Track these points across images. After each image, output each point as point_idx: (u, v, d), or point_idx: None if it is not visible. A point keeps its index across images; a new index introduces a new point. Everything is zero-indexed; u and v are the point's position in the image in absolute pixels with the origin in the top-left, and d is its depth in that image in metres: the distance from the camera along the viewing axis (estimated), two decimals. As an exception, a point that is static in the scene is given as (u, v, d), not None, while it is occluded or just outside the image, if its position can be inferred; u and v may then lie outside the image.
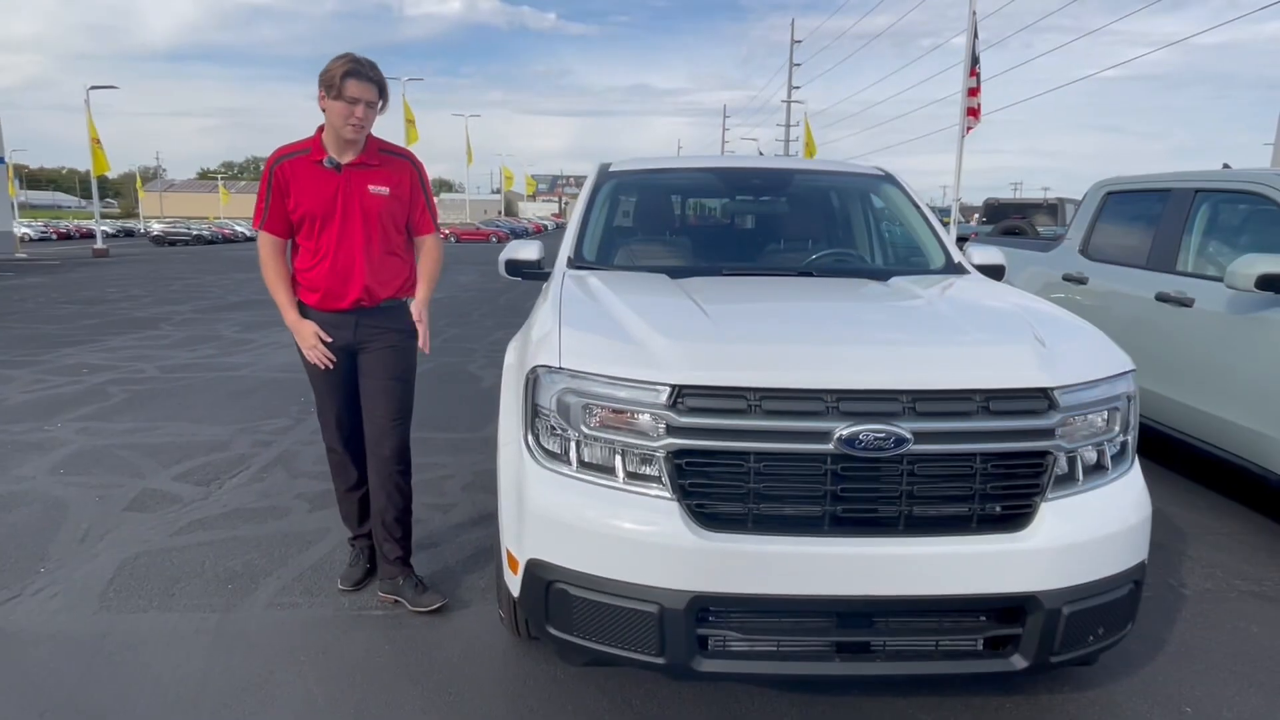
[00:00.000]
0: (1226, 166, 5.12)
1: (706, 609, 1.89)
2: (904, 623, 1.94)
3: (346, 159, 2.75)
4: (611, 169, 3.65)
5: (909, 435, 1.83)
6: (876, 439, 1.82)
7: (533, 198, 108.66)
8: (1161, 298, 4.11)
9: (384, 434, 2.92)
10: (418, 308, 2.89)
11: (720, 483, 1.89)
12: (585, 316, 2.27)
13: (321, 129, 2.77)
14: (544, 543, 2.01)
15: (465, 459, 4.68)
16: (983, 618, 1.95)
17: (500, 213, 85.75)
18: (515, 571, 2.12)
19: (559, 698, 2.37)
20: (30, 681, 2.42)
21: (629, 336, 2.08)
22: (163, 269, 21.56)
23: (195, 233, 42.17)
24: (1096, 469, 2.02)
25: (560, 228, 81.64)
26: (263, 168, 2.80)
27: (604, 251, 3.27)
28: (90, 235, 45.67)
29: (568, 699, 2.37)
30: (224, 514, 3.79)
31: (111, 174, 41.35)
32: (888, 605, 1.89)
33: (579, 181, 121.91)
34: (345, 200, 2.75)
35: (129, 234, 53.91)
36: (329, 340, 2.81)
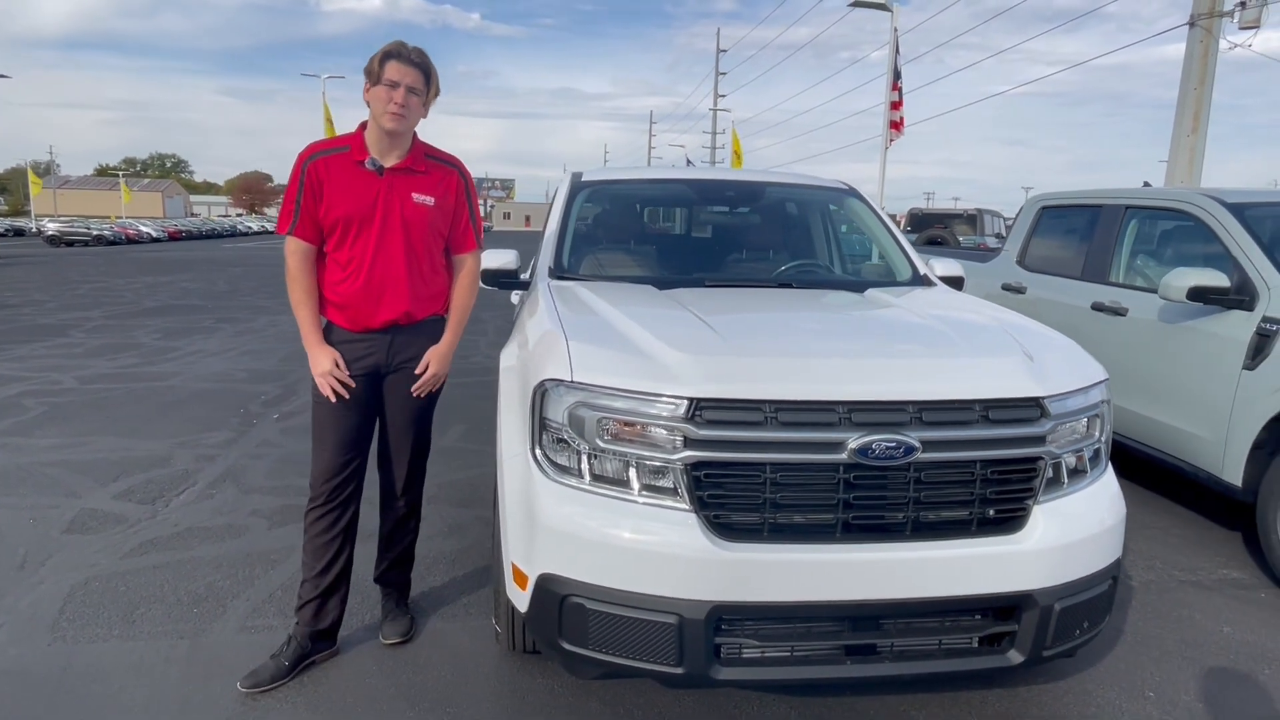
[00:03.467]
0: (1147, 184, 5.50)
1: (722, 618, 1.93)
2: (908, 624, 2.02)
3: (390, 161, 2.47)
4: (585, 178, 3.65)
5: (917, 444, 1.91)
6: (888, 448, 1.89)
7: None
8: (1097, 307, 4.39)
9: (400, 454, 2.68)
10: (441, 359, 2.60)
11: (737, 494, 1.93)
12: (589, 329, 2.28)
13: (363, 126, 2.50)
14: (557, 557, 2.00)
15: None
16: (980, 616, 2.05)
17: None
18: (524, 587, 2.11)
19: (559, 710, 2.36)
20: (-12, 722, 2.25)
21: (639, 349, 2.10)
22: (64, 272, 20.23)
23: (96, 233, 39.62)
24: (1078, 473, 2.16)
25: (488, 230, 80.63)
26: (295, 164, 2.46)
27: (584, 261, 3.28)
28: (-27, 235, 42.53)
29: (568, 711, 2.36)
30: (176, 534, 3.60)
31: (-1, 169, 38.46)
32: (896, 608, 1.97)
33: (505, 185, 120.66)
34: (386, 207, 2.46)
35: (19, 233, 50.30)
36: (344, 379, 2.48)
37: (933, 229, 16.96)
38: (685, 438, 1.91)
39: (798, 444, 1.90)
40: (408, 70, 2.40)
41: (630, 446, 1.97)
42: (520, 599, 2.14)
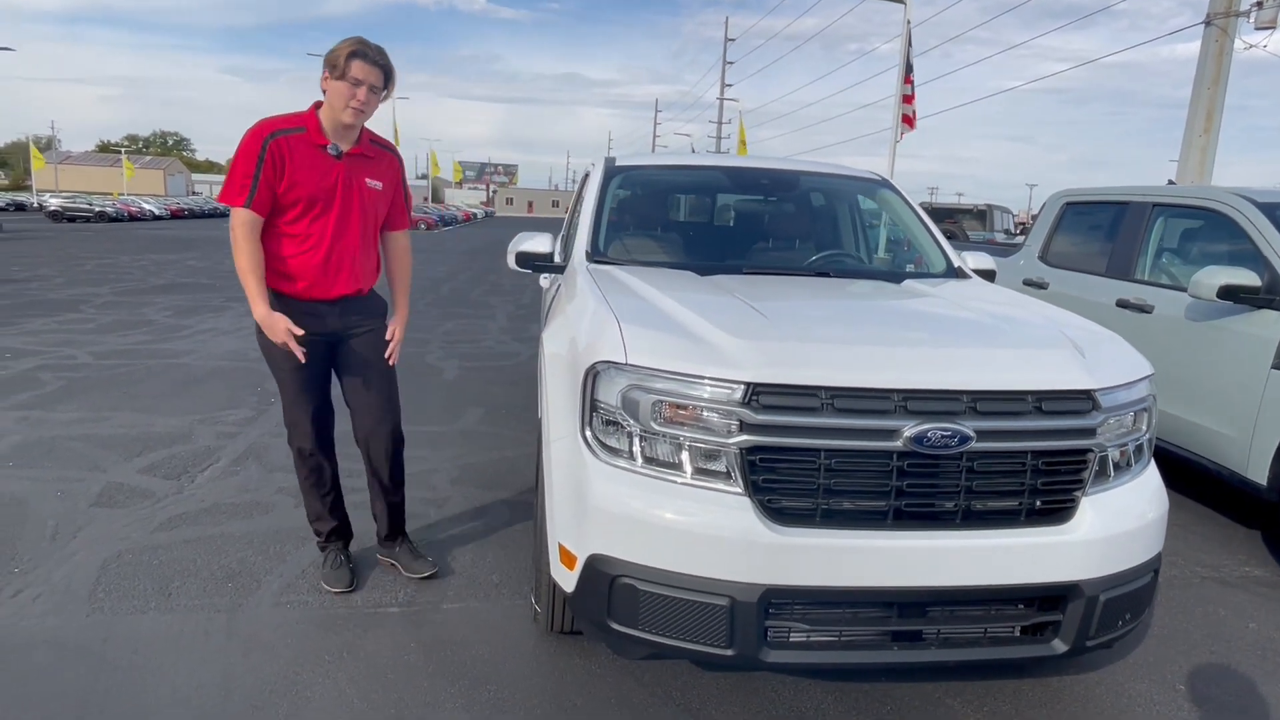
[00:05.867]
0: (1171, 183, 5.49)
1: (772, 601, 1.94)
2: (954, 611, 2.04)
3: (345, 147, 2.68)
4: (619, 163, 3.65)
5: (972, 433, 1.92)
6: (943, 437, 1.90)
7: (460, 185, 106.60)
8: (1121, 304, 4.39)
9: (383, 415, 2.93)
10: (403, 326, 2.94)
11: (790, 478, 1.94)
12: (640, 312, 2.28)
13: (316, 109, 2.67)
14: (608, 538, 2.01)
15: (446, 452, 4.60)
16: (1025, 605, 2.07)
17: (426, 199, 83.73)
18: (571, 567, 2.12)
19: (600, 691, 2.38)
20: (35, 691, 2.27)
21: (693, 334, 2.10)
22: (69, 247, 20.17)
23: (98, 209, 39.45)
24: (1124, 466, 2.17)
25: (490, 216, 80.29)
26: (243, 139, 2.58)
27: (619, 246, 3.28)
28: (-26, 208, 42.32)
29: (609, 692, 2.38)
30: (204, 510, 3.62)
31: None
32: (944, 595, 1.98)
33: (508, 170, 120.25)
34: (345, 190, 2.68)
35: (20, 208, 50.07)
36: (300, 333, 2.63)
37: (942, 224, 16.91)
38: (741, 422, 1.92)
39: (853, 431, 1.91)
40: (371, 70, 2.59)
41: (684, 429, 1.98)
42: (567, 579, 2.16)
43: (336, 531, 3.05)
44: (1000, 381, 1.98)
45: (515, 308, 11.43)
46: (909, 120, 17.87)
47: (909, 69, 18.14)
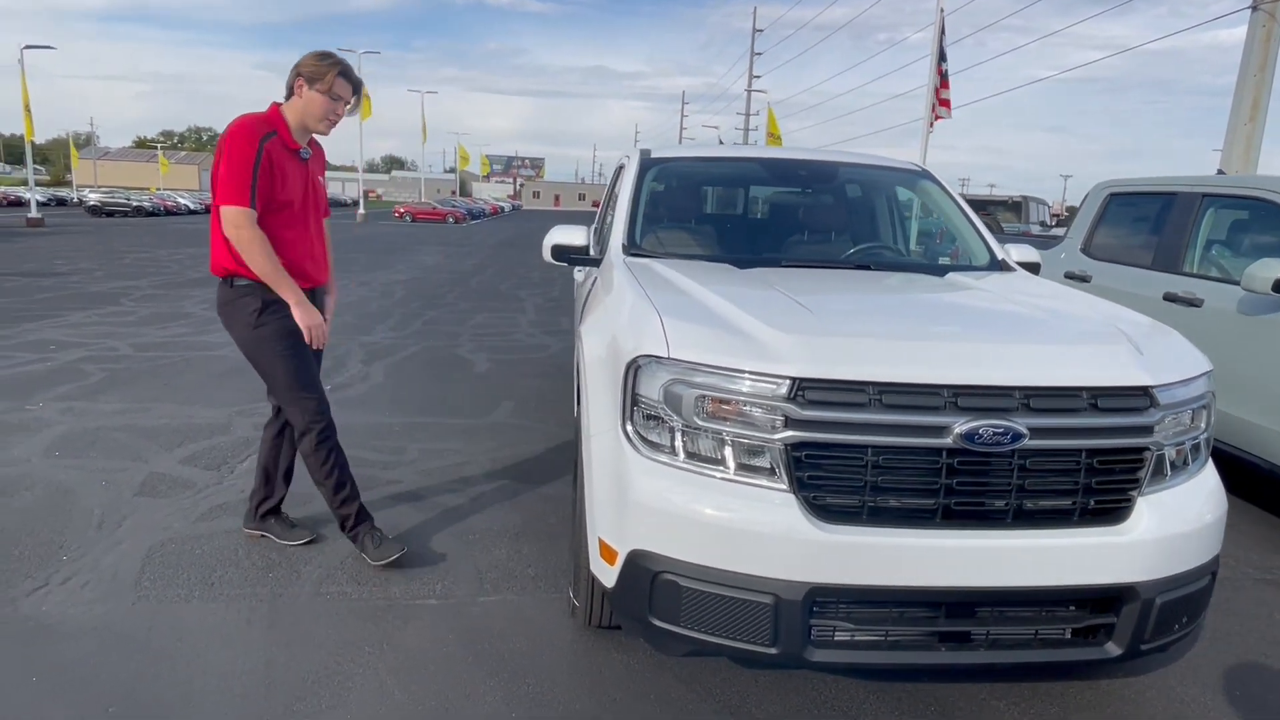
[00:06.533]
0: (1221, 172, 5.33)
1: (817, 600, 1.91)
2: (1004, 613, 1.99)
3: (304, 148, 2.89)
4: (654, 155, 3.62)
5: (1025, 431, 1.87)
6: (995, 434, 1.85)
7: (487, 178, 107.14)
8: (1169, 298, 4.27)
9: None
10: (331, 304, 3.20)
11: (837, 475, 1.90)
12: (681, 305, 2.26)
13: (276, 110, 2.80)
14: (650, 534, 2.00)
15: (479, 445, 4.61)
16: (1078, 607, 2.01)
17: (454, 192, 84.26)
18: (612, 562, 2.11)
19: (639, 687, 2.37)
20: (84, 676, 2.31)
21: (736, 327, 2.07)
22: (108, 241, 20.61)
23: (135, 204, 40.27)
24: (1182, 465, 2.10)
25: (517, 209, 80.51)
26: (233, 138, 2.68)
27: (656, 239, 3.25)
28: (18, 203, 43.34)
29: (648, 688, 2.37)
30: (243, 500, 3.63)
31: (40, 139, 39.22)
32: (995, 596, 1.94)
33: (534, 163, 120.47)
34: (313, 189, 2.93)
35: (61, 203, 51.25)
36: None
37: (979, 215, 16.66)
38: (786, 418, 1.89)
39: (901, 427, 1.87)
40: (350, 89, 2.82)
41: (727, 425, 1.95)
42: (607, 574, 2.14)
43: (363, 508, 3.11)
44: (1054, 378, 1.93)
45: (544, 300, 11.45)
46: (946, 104, 17.60)
47: (942, 57, 17.87)
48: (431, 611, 2.76)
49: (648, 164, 3.55)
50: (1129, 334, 2.15)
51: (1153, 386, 1.98)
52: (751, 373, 1.92)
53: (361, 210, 41.18)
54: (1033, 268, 3.37)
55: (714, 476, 1.96)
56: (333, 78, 2.73)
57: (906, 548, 1.88)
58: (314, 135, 2.94)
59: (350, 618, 2.69)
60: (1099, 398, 1.94)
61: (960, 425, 1.86)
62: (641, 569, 2.01)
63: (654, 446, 2.05)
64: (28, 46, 25.72)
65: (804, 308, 2.20)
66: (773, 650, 1.91)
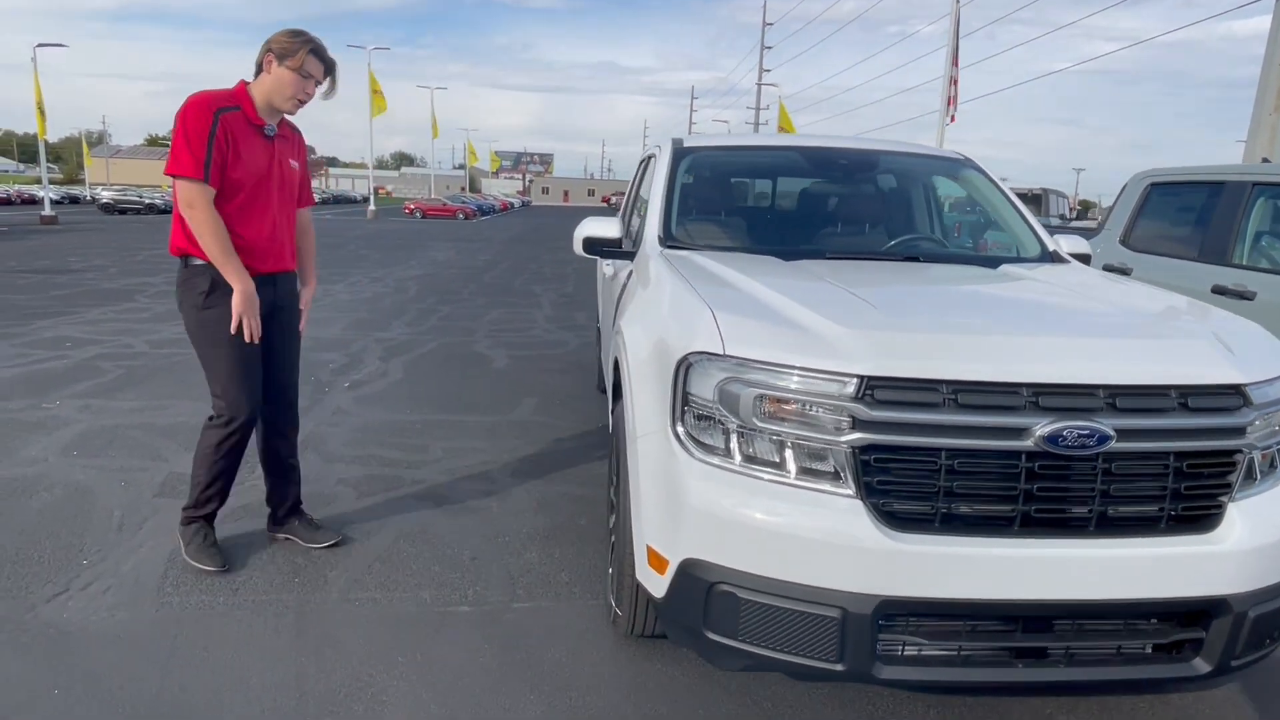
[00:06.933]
0: (1266, 160, 5.15)
1: (887, 614, 1.79)
2: (1084, 626, 1.86)
3: (272, 128, 2.76)
4: (686, 145, 3.49)
5: (1112, 433, 1.74)
6: (1080, 436, 1.72)
7: (496, 174, 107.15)
8: (1218, 290, 4.12)
9: (290, 382, 3.06)
10: (309, 296, 3.09)
11: (907, 480, 1.78)
12: (732, 300, 2.13)
13: (242, 86, 2.70)
14: (705, 542, 1.88)
15: (503, 444, 4.50)
16: (1163, 621, 1.88)
17: (463, 189, 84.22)
18: (661, 571, 1.99)
19: (686, 700, 2.26)
20: (109, 689, 2.21)
21: (793, 322, 1.95)
22: (121, 238, 20.61)
23: (147, 201, 40.34)
24: (1269, 469, 1.97)
25: (527, 205, 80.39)
26: (189, 110, 2.56)
27: (693, 230, 3.12)
28: (32, 201, 43.51)
29: (696, 702, 2.25)
30: (265, 501, 3.56)
31: (53, 138, 39.36)
32: (1075, 609, 1.81)
33: (544, 159, 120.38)
34: (279, 169, 2.78)
35: (74, 200, 51.44)
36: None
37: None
38: (854, 419, 1.77)
39: (979, 429, 1.75)
40: (322, 68, 2.71)
41: (788, 426, 1.83)
42: (656, 584, 2.03)
43: (214, 515, 3.01)
44: (1142, 375, 1.79)
45: (559, 296, 11.34)
46: (953, 102, 17.39)
47: (958, 50, 17.66)
48: (464, 619, 2.65)
49: (681, 154, 3.42)
50: (1214, 329, 2.02)
51: (1245, 384, 1.84)
52: (816, 371, 1.79)
53: (372, 207, 41.15)
54: (1083, 259, 3.23)
55: (774, 481, 1.84)
56: (304, 55, 2.64)
57: (983, 558, 1.75)
58: (287, 118, 2.83)
59: (381, 626, 2.59)
60: (1189, 396, 1.81)
61: (1042, 427, 1.73)
62: (695, 579, 1.89)
63: (707, 449, 1.93)
64: (40, 44, 25.75)
65: (864, 301, 2.07)
66: (839, 666, 1.79)
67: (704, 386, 1.92)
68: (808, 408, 1.81)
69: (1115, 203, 5.35)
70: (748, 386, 1.85)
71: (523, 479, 3.97)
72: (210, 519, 3.00)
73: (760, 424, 1.85)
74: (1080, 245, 3.27)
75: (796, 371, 1.81)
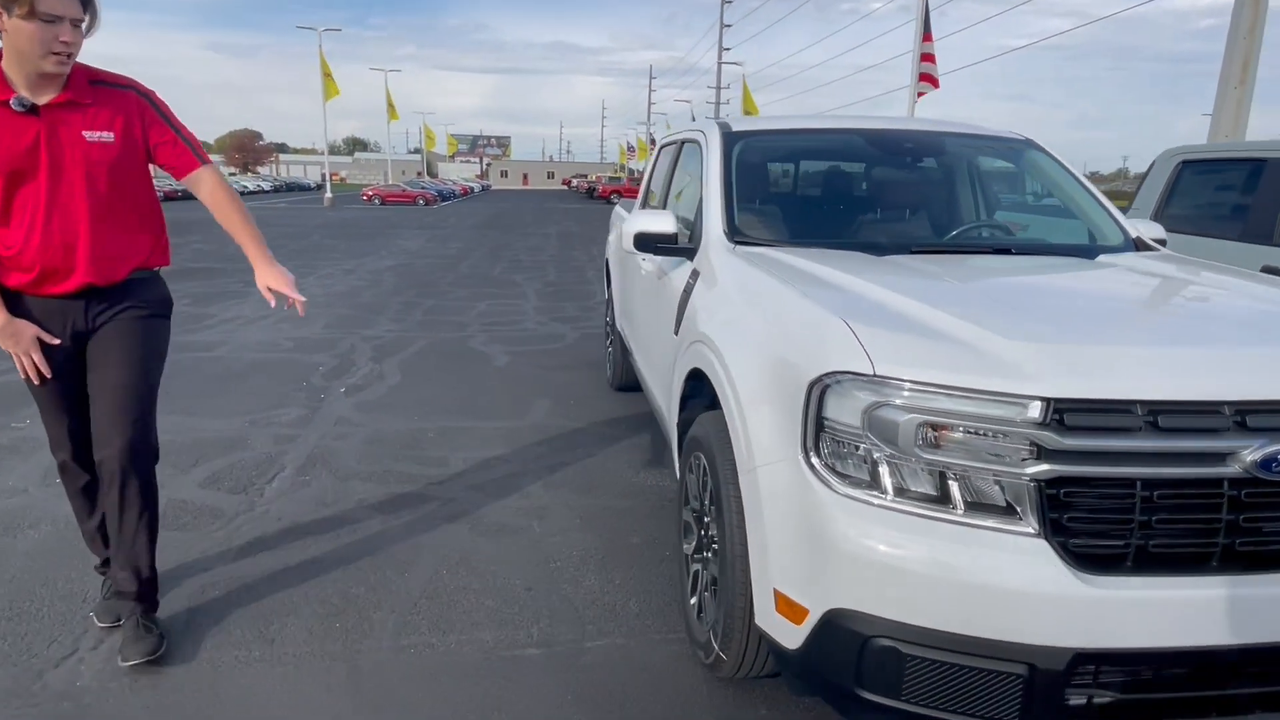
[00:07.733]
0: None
1: (1080, 668, 1.57)
2: (1281, 670, 1.67)
3: (45, 98, 2.07)
4: (736, 129, 3.22)
5: (1329, 455, 1.53)
6: (1296, 461, 1.52)
7: (453, 158, 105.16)
8: (1270, 270, 3.99)
9: (120, 417, 2.27)
10: (278, 278, 2.32)
11: (1099, 516, 1.56)
12: (859, 307, 1.88)
13: None
14: (859, 590, 1.64)
15: (527, 452, 4.22)
16: None
17: (420, 174, 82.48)
18: (798, 621, 1.75)
19: (806, 754, 2.03)
20: (146, 775, 1.91)
21: (945, 335, 1.71)
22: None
23: None
24: None
25: (486, 190, 78.93)
26: None
27: (759, 224, 2.86)
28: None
29: (818, 755, 2.03)
30: (283, 530, 3.24)
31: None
32: None
33: (501, 142, 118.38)
34: (52, 152, 2.09)
35: None
36: (54, 342, 2.22)
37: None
38: (1040, 448, 1.54)
39: (1180, 455, 1.53)
40: (68, 3, 1.99)
41: (958, 457, 1.59)
42: (788, 634, 1.79)
43: (106, 561, 2.55)
44: None
45: (542, 285, 10.99)
46: (932, 80, 17.35)
47: (927, 26, 17.58)
48: (535, 664, 2.39)
49: (732, 139, 3.14)
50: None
51: None
52: (991, 394, 1.56)
53: (328, 194, 39.94)
54: (1160, 244, 3.05)
55: (939, 518, 1.60)
56: None
57: (1189, 601, 1.54)
58: (111, 74, 2.22)
59: (444, 677, 2.31)
60: None
61: (1252, 452, 1.52)
62: (847, 631, 1.66)
63: (851, 481, 1.68)
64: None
65: (1012, 308, 1.84)
66: (1020, 727, 1.58)
67: (846, 411, 1.68)
68: (982, 435, 1.58)
69: (1142, 182, 5.22)
70: (905, 412, 1.61)
71: (556, 491, 3.70)
72: (103, 568, 2.62)
73: (924, 454, 1.61)
74: (1156, 231, 3.08)
75: (967, 394, 1.57)
